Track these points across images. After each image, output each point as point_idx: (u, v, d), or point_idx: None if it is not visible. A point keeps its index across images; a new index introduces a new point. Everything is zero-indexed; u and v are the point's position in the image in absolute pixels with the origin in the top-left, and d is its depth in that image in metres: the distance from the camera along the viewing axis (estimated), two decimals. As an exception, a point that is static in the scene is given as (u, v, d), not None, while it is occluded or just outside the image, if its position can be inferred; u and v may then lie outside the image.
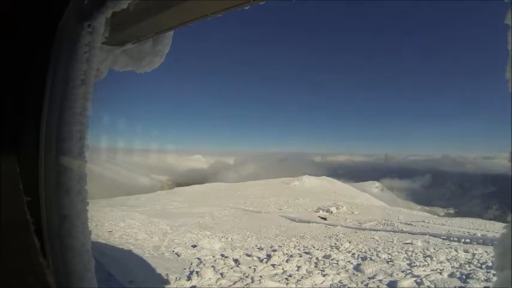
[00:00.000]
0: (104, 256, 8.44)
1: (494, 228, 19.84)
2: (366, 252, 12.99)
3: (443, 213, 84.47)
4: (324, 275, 9.68)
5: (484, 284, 8.03)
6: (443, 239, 16.42)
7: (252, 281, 8.59)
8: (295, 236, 18.80)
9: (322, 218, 27.46)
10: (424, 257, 11.61)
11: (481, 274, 8.81)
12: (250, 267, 10.12)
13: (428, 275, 9.12)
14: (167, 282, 7.87)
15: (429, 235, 17.41)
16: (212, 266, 10.02)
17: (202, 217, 25.17)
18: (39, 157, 1.27)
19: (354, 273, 10.06)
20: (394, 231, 19.71)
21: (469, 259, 11.06)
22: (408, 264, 10.73)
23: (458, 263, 10.55)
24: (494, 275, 7.81)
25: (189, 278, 8.44)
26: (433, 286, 8.27)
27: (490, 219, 28.05)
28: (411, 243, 14.81)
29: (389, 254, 12.43)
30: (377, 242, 15.83)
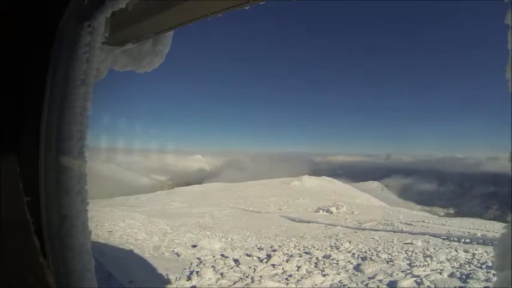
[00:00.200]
0: (104, 256, 8.44)
1: (494, 228, 19.82)
2: (366, 252, 12.99)
3: (443, 213, 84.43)
4: (324, 275, 9.68)
5: (484, 284, 8.04)
6: (443, 239, 16.41)
7: (252, 281, 8.60)
8: (295, 236, 18.79)
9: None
10: (424, 257, 11.61)
11: (481, 274, 8.82)
12: (250, 267, 10.12)
13: (428, 275, 9.13)
14: (167, 282, 7.87)
15: (429, 235, 17.39)
16: (212, 266, 10.02)
17: (202, 217, 25.15)
18: (39, 157, 1.27)
19: (354, 273, 10.06)
20: (394, 231, 19.70)
21: (469, 259, 11.06)
22: (408, 264, 10.73)
23: (458, 263, 10.55)
24: (494, 275, 7.81)
25: (189, 278, 8.45)
26: (433, 286, 8.27)
27: (490, 219, 28.01)
28: (411, 243, 14.80)
29: (389, 254, 12.44)
30: (377, 242, 15.82)
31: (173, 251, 12.03)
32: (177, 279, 8.29)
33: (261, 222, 24.59)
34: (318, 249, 13.60)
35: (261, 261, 11.24)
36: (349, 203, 38.03)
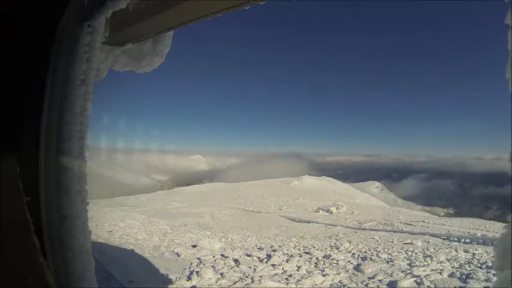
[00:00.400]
0: (104, 256, 8.44)
1: (494, 228, 19.81)
2: (366, 252, 13.00)
3: (443, 213, 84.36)
4: (324, 275, 9.69)
5: (484, 284, 8.04)
6: (443, 239, 16.41)
7: (252, 281, 8.60)
8: (295, 236, 18.80)
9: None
10: (424, 257, 11.61)
11: (481, 274, 8.82)
12: (250, 267, 10.13)
13: (428, 275, 9.13)
14: (167, 282, 7.87)
15: (429, 235, 17.40)
16: (212, 266, 10.02)
17: (202, 217, 25.17)
18: (39, 157, 1.27)
19: (354, 273, 10.06)
20: (394, 231, 19.70)
21: (469, 259, 11.06)
22: (408, 264, 10.74)
23: (458, 263, 10.55)
24: (494, 275, 7.82)
25: (189, 278, 8.45)
26: (433, 286, 8.27)
27: (490, 219, 27.99)
28: (411, 243, 14.80)
29: (389, 254, 12.44)
30: (377, 242, 15.83)
31: (173, 251, 12.03)
32: (177, 279, 8.30)
33: (261, 222, 24.60)
34: (318, 249, 13.60)
35: (261, 261, 11.24)
36: (349, 203, 38.05)
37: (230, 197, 40.78)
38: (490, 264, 9.94)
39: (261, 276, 9.15)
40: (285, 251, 13.08)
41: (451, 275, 9.09)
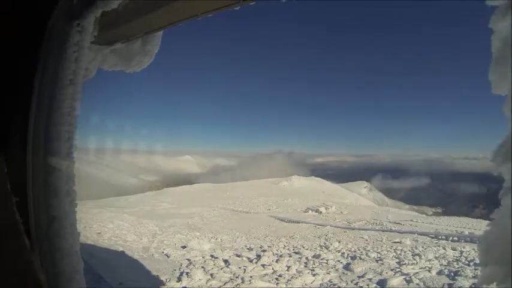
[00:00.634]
0: (93, 258, 8.35)
1: (481, 227, 20.15)
2: (355, 251, 13.12)
3: (431, 212, 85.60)
4: (313, 275, 9.74)
5: (472, 280, 8.20)
6: (432, 237, 16.66)
7: (242, 282, 8.60)
8: (284, 236, 18.85)
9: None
10: (412, 255, 11.78)
11: (468, 271, 8.99)
12: (240, 268, 10.13)
13: (417, 273, 9.27)
14: (157, 283, 7.83)
15: (418, 234, 17.64)
16: (202, 267, 9.99)
17: (192, 218, 25.05)
18: (27, 158, 1.25)
19: (343, 273, 10.14)
20: (383, 231, 19.92)
21: (457, 257, 11.26)
22: (397, 263, 10.87)
23: (446, 261, 10.73)
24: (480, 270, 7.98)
25: (179, 279, 8.42)
26: (422, 284, 8.40)
27: (477, 218, 28.48)
28: (400, 242, 14.99)
29: (378, 252, 12.57)
30: (366, 241, 15.98)
31: (163, 252, 11.96)
32: (167, 280, 8.25)
33: (250, 222, 24.60)
34: (307, 249, 13.67)
35: (251, 261, 11.25)
36: (338, 203, 38.32)
37: (219, 197, 40.69)
38: (477, 261, 10.11)
39: (251, 277, 9.16)
40: (275, 251, 13.11)
41: (440, 273, 9.25)
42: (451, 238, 15.75)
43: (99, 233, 13.48)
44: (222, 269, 10.03)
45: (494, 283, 0.69)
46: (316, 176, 74.35)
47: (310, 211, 31.58)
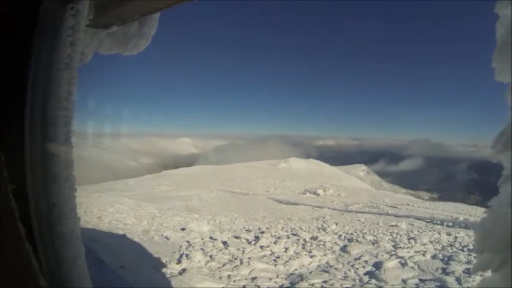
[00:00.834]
0: (94, 242, 8.41)
1: (476, 213, 20.41)
2: (352, 234, 13.30)
3: (427, 197, 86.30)
4: (311, 256, 9.90)
5: (465, 266, 8.36)
6: (427, 222, 16.89)
7: (241, 263, 8.74)
8: (282, 218, 19.05)
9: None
10: (408, 239, 11.97)
11: (462, 256, 9.17)
12: (238, 249, 10.27)
13: (412, 256, 9.44)
14: (158, 266, 7.93)
15: (413, 218, 17.85)
16: (201, 249, 10.12)
17: (190, 200, 25.21)
18: (24, 144, 1.24)
19: (340, 255, 10.31)
20: (379, 214, 20.16)
21: (451, 242, 11.44)
22: (393, 246, 11.05)
23: (441, 246, 10.90)
24: (475, 257, 8.12)
25: (179, 261, 8.53)
26: (416, 267, 8.56)
27: (472, 204, 28.75)
28: (396, 226, 15.20)
29: (374, 235, 12.76)
30: (363, 224, 16.18)
31: (162, 235, 12.08)
32: (168, 262, 8.36)
33: (248, 204, 24.81)
34: (305, 231, 13.84)
35: (249, 243, 11.39)
36: (336, 185, 38.59)
37: (217, 179, 40.86)
38: (471, 247, 10.30)
39: (249, 258, 9.30)
40: (273, 233, 13.27)
41: (434, 257, 9.42)
42: (446, 223, 15.97)
43: (99, 217, 13.56)
44: (221, 250, 10.16)
45: (489, 270, 0.70)
46: (315, 158, 74.66)
47: (308, 193, 31.84)
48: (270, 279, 7.69)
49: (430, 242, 11.46)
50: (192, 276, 7.05)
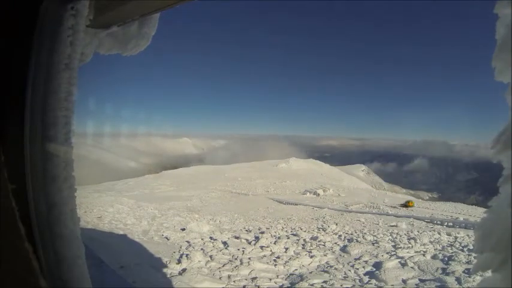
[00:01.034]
0: (94, 242, 8.42)
1: (476, 213, 20.47)
2: (352, 234, 13.30)
3: (427, 197, 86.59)
4: (311, 257, 9.90)
5: (465, 266, 8.36)
6: (427, 222, 16.92)
7: (241, 263, 8.74)
8: (282, 218, 19.07)
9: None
10: (408, 239, 11.97)
11: (462, 256, 9.17)
12: (238, 250, 10.27)
13: (412, 256, 9.44)
14: (158, 266, 7.92)
15: (413, 218, 17.90)
16: (201, 249, 10.13)
17: (190, 200, 25.25)
18: (24, 144, 1.24)
19: (340, 255, 10.32)
20: (379, 214, 20.18)
21: (451, 242, 11.44)
22: (393, 246, 11.05)
23: (441, 246, 10.91)
24: (475, 257, 8.13)
25: (179, 262, 8.53)
26: (416, 267, 8.56)
27: (472, 205, 28.86)
28: (396, 226, 15.21)
29: (374, 236, 12.76)
30: (363, 224, 16.20)
31: (162, 235, 12.08)
32: (168, 262, 8.36)
33: (248, 204, 24.83)
34: (305, 231, 13.84)
35: (250, 243, 11.39)
36: (336, 185, 38.65)
37: (218, 179, 40.89)
38: (471, 247, 10.31)
39: (249, 258, 9.29)
40: (273, 233, 13.27)
41: (434, 257, 9.43)
42: (446, 223, 16.01)
43: (99, 217, 13.58)
44: (221, 250, 10.16)
45: (489, 270, 0.70)
46: (315, 158, 74.69)
47: (308, 193, 31.88)
48: (270, 279, 7.69)
49: (430, 242, 11.46)
50: (192, 277, 7.05)
